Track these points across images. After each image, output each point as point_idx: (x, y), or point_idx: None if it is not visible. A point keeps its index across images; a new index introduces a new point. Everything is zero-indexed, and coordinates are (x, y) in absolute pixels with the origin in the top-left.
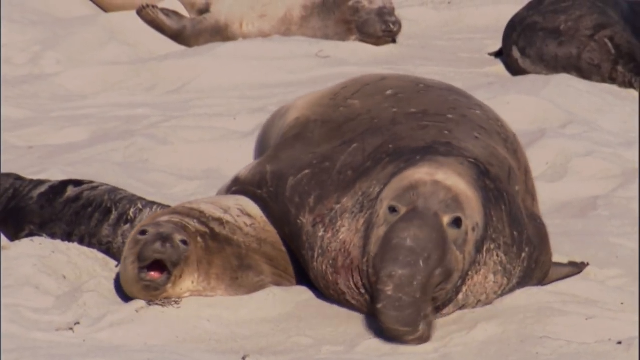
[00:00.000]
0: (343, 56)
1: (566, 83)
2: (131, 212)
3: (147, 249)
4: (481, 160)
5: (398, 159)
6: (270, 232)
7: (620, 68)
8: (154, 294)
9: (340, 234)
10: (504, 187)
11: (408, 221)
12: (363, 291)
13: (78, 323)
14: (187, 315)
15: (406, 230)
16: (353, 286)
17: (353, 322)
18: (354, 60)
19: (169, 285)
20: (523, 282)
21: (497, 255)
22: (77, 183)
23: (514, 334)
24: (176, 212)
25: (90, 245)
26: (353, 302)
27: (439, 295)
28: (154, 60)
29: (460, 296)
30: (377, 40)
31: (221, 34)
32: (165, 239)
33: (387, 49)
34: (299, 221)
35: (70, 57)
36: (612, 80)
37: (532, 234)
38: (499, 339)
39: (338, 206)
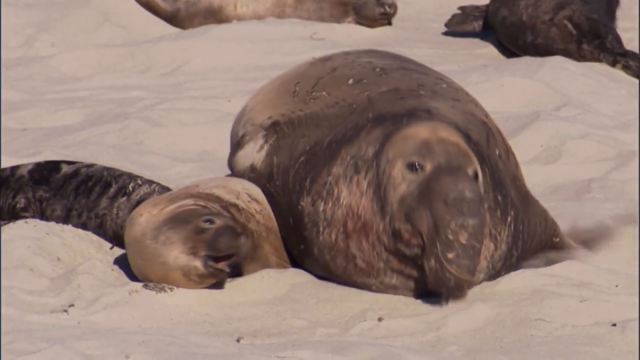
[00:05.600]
0: (337, 38)
1: (561, 65)
2: (130, 187)
3: (224, 241)
4: (461, 125)
5: (383, 122)
6: (274, 221)
7: (585, 46)
8: (208, 283)
9: (343, 199)
10: (485, 151)
11: (452, 175)
12: (379, 250)
13: (72, 305)
14: (182, 298)
15: (458, 183)
16: (368, 247)
17: (347, 305)
18: (349, 42)
19: None
20: (524, 247)
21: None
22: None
23: (509, 316)
24: (191, 195)
25: (87, 219)
26: (363, 264)
27: None
28: (148, 42)
29: None
30: (373, 23)
31: (215, 16)
32: (238, 233)
33: (381, 31)
34: (300, 207)
35: (64, 39)
36: (583, 58)
37: (515, 196)
38: (494, 321)
39: (330, 177)
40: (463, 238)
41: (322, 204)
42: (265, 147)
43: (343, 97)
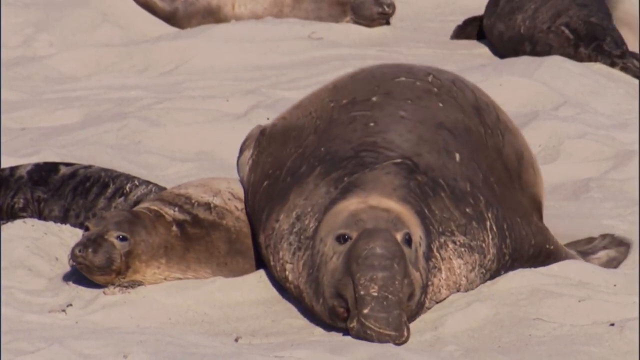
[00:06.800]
0: (336, 38)
1: (559, 65)
2: (127, 187)
3: (73, 252)
4: (408, 154)
5: (328, 174)
6: None
7: (582, 50)
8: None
9: (287, 272)
10: (438, 173)
11: (368, 237)
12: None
13: (70, 305)
14: (180, 298)
15: (371, 242)
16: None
17: None
18: (347, 42)
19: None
20: (514, 245)
21: (454, 242)
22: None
23: (507, 315)
24: (160, 199)
25: (85, 219)
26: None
27: (406, 312)
28: (146, 42)
29: (431, 296)
30: (371, 23)
31: (213, 15)
32: (90, 243)
33: (379, 30)
34: (258, 242)
35: (63, 39)
36: (579, 61)
37: (490, 197)
38: (492, 321)
39: (277, 225)
40: (374, 290)
41: (272, 259)
42: (250, 161)
43: (315, 108)
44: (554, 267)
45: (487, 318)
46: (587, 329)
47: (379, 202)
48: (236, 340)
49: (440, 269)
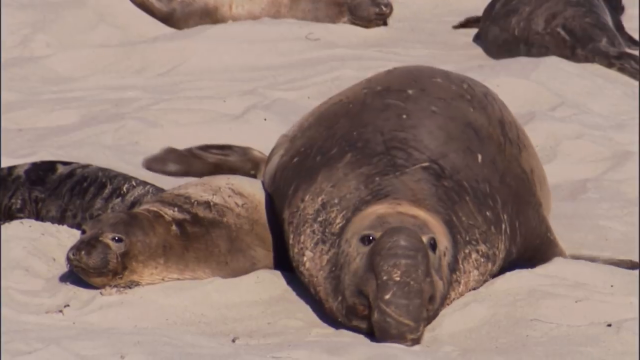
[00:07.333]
0: (333, 39)
1: (556, 65)
2: (124, 188)
3: (68, 256)
4: (435, 156)
5: (358, 167)
6: (263, 213)
7: (579, 52)
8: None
9: (306, 260)
10: (462, 175)
11: (392, 232)
12: (337, 320)
13: (68, 305)
14: (177, 298)
15: (395, 236)
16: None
17: None
18: (344, 42)
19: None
20: (523, 241)
21: (477, 252)
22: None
23: (504, 316)
24: (160, 200)
25: (82, 220)
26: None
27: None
28: (143, 42)
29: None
30: (368, 23)
31: (211, 16)
32: (84, 246)
33: (377, 31)
34: (281, 217)
35: (60, 39)
36: (577, 62)
37: (506, 195)
38: (489, 322)
39: (302, 205)
40: (396, 275)
41: (292, 237)
42: (280, 158)
43: (347, 94)
44: (551, 268)
45: (485, 318)
46: (584, 330)
47: (408, 209)
48: (233, 340)
49: (459, 282)
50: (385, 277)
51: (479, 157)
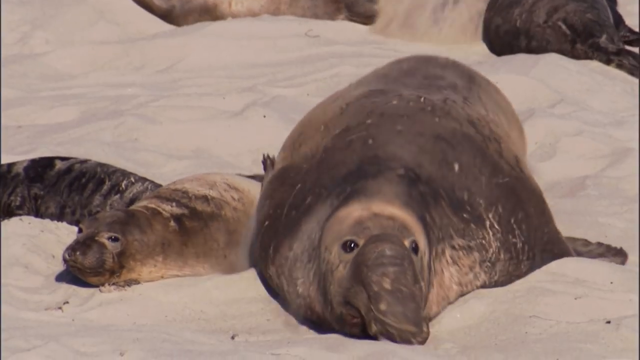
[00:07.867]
0: (332, 35)
1: (556, 62)
2: (123, 184)
3: (64, 256)
4: (411, 165)
5: (333, 191)
6: None
7: (579, 46)
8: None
9: (298, 287)
10: (438, 183)
11: (376, 241)
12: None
13: (67, 302)
14: (176, 295)
15: (379, 245)
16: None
17: None
18: (343, 39)
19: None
20: (528, 234)
21: (452, 247)
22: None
23: (504, 313)
24: (157, 196)
25: (81, 216)
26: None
27: None
28: (142, 39)
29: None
30: (366, 20)
31: (210, 13)
32: (79, 246)
33: (376, 27)
34: (267, 275)
35: (59, 36)
36: (577, 58)
37: (493, 194)
38: (489, 319)
39: (291, 253)
40: (386, 284)
41: (285, 283)
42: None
43: (308, 148)
44: (551, 265)
45: (484, 315)
46: (583, 327)
47: (383, 208)
48: (233, 337)
49: (432, 284)
50: (376, 288)
51: (456, 166)
